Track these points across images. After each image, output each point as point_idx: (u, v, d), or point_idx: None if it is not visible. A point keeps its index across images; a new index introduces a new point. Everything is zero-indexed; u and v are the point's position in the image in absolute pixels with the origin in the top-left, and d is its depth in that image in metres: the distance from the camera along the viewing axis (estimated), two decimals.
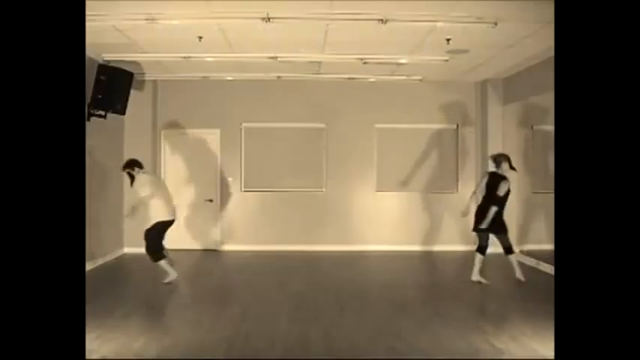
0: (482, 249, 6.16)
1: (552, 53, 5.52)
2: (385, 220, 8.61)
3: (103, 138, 7.33)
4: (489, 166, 6.39)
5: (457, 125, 8.73)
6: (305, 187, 8.66)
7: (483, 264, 6.18)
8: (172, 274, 5.93)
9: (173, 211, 6.05)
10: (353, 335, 4.20)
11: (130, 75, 7.17)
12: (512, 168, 6.04)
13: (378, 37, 5.75)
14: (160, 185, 6.18)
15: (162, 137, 8.52)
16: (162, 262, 5.91)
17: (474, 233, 6.28)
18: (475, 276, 6.12)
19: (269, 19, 4.97)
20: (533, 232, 8.36)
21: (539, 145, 8.53)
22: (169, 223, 5.98)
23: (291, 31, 5.51)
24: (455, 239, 8.53)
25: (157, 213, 5.92)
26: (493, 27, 5.12)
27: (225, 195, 8.56)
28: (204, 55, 6.60)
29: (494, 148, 8.33)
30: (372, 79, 8.24)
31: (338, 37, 5.81)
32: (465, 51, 6.39)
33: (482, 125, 8.54)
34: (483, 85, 8.50)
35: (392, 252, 8.33)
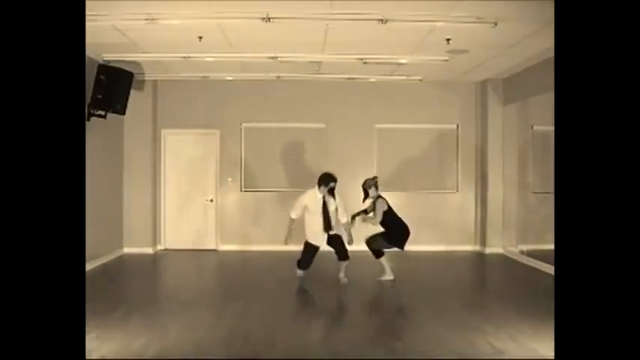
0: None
1: (552, 53, 5.52)
2: None
3: (103, 138, 7.33)
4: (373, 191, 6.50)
5: (457, 125, 8.73)
6: (305, 187, 8.63)
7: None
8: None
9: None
10: (353, 335, 4.20)
11: (130, 75, 7.17)
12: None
13: (378, 37, 5.74)
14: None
15: (162, 137, 8.52)
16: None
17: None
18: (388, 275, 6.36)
19: (269, 19, 4.96)
20: (532, 232, 8.36)
21: (539, 145, 8.53)
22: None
23: (291, 31, 5.51)
24: (454, 239, 8.53)
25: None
26: (493, 27, 5.12)
27: (225, 195, 8.56)
28: (204, 55, 6.60)
29: (495, 148, 8.36)
30: (372, 79, 8.23)
31: (338, 37, 5.81)
32: (465, 51, 6.39)
33: (483, 125, 8.55)
34: (483, 85, 8.49)
35: (391, 252, 8.32)
